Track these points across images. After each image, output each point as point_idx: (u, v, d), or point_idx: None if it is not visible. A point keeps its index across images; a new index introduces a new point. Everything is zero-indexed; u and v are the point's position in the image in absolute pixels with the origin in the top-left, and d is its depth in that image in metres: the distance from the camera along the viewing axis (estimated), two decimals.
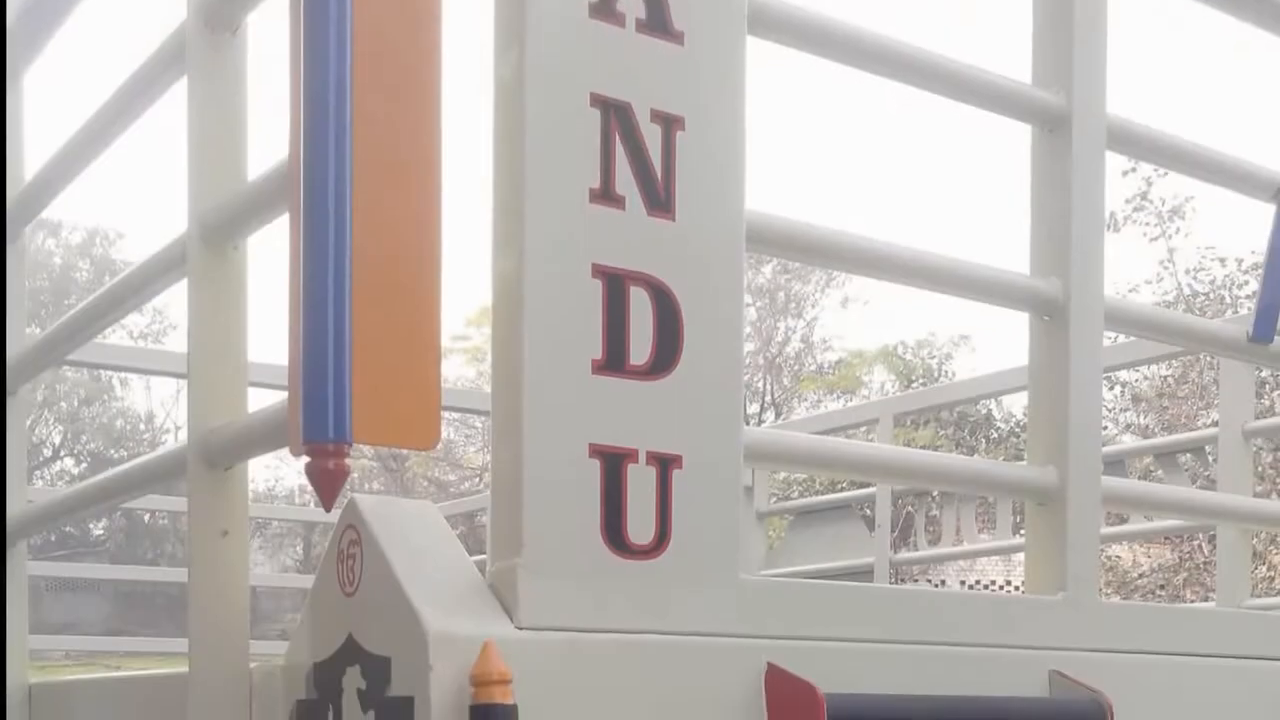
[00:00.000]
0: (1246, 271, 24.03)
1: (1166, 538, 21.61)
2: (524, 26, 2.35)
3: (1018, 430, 31.52)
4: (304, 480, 2.35)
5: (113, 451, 46.67)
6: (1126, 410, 26.98)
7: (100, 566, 28.74)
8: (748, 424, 2.83)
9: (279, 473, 46.13)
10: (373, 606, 2.39)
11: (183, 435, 2.93)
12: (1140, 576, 24.98)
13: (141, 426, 51.00)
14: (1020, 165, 3.16)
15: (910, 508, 9.51)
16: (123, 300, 3.34)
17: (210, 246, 2.82)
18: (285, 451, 2.43)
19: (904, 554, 8.64)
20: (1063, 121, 3.09)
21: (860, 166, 60.38)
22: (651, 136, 2.46)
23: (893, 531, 7.99)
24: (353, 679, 2.42)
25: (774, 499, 9.13)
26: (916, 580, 19.54)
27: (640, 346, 2.45)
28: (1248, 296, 23.14)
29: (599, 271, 2.42)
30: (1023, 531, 3.40)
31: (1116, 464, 6.68)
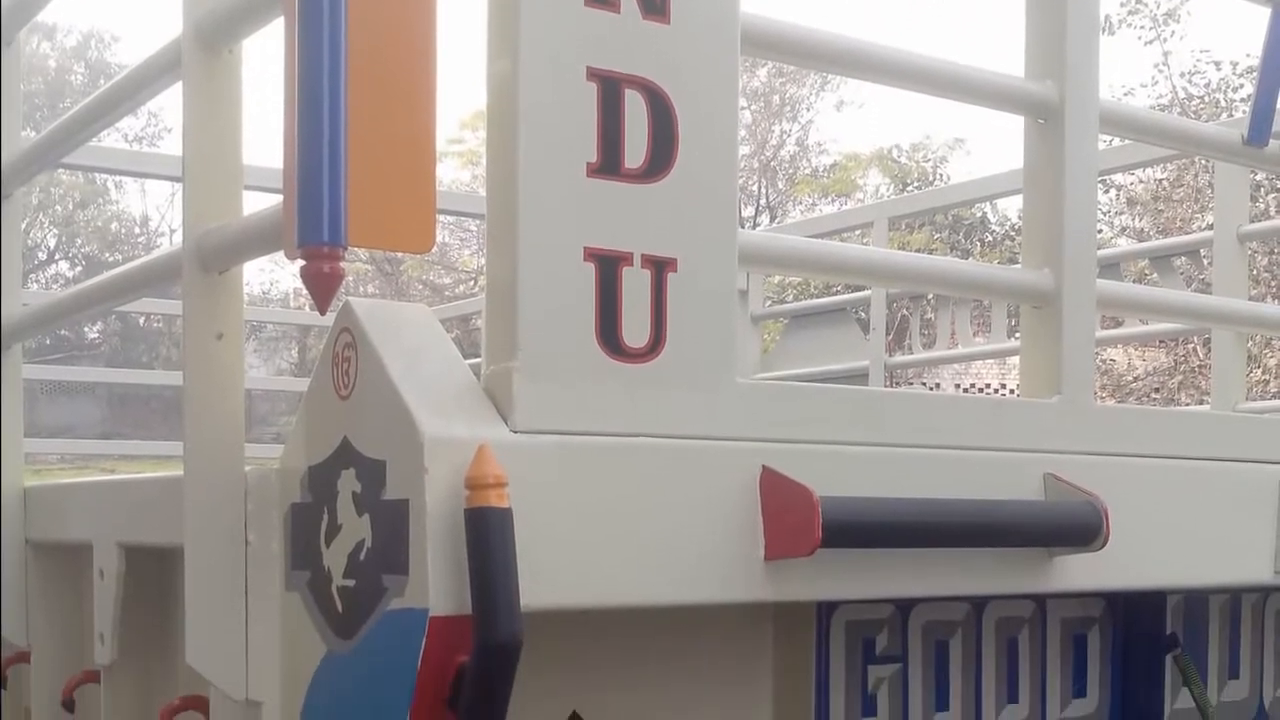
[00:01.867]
0: (1241, 75, 23.91)
1: (1161, 341, 21.69)
2: None
3: (1013, 234, 31.53)
4: (299, 284, 2.33)
5: (108, 255, 46.63)
6: (1122, 213, 26.99)
7: (95, 370, 28.81)
8: (742, 227, 2.81)
9: (274, 276, 46.27)
10: (368, 410, 2.39)
11: (178, 239, 2.92)
12: (1135, 380, 25.12)
13: (137, 230, 50.95)
14: None
15: (905, 311, 9.51)
16: (118, 103, 3.31)
17: (206, 49, 2.78)
18: (280, 255, 2.42)
19: (899, 357, 8.64)
20: None
21: None
22: None
23: (888, 335, 8.00)
24: (348, 482, 2.43)
25: (769, 303, 9.14)
26: (911, 384, 19.64)
27: (635, 150, 2.44)
28: (1243, 100, 23.06)
29: (594, 75, 2.40)
30: (1018, 335, 3.40)
31: (1112, 267, 6.68)
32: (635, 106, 2.44)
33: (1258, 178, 17.26)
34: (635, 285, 2.44)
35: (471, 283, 37.98)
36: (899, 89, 3.07)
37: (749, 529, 2.47)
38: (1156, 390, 24.75)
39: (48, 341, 36.38)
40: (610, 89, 2.41)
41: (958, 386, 28.17)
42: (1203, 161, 17.93)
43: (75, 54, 49.53)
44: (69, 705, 3.81)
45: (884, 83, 3.03)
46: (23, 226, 4.21)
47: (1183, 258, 7.03)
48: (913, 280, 3.50)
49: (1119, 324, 8.17)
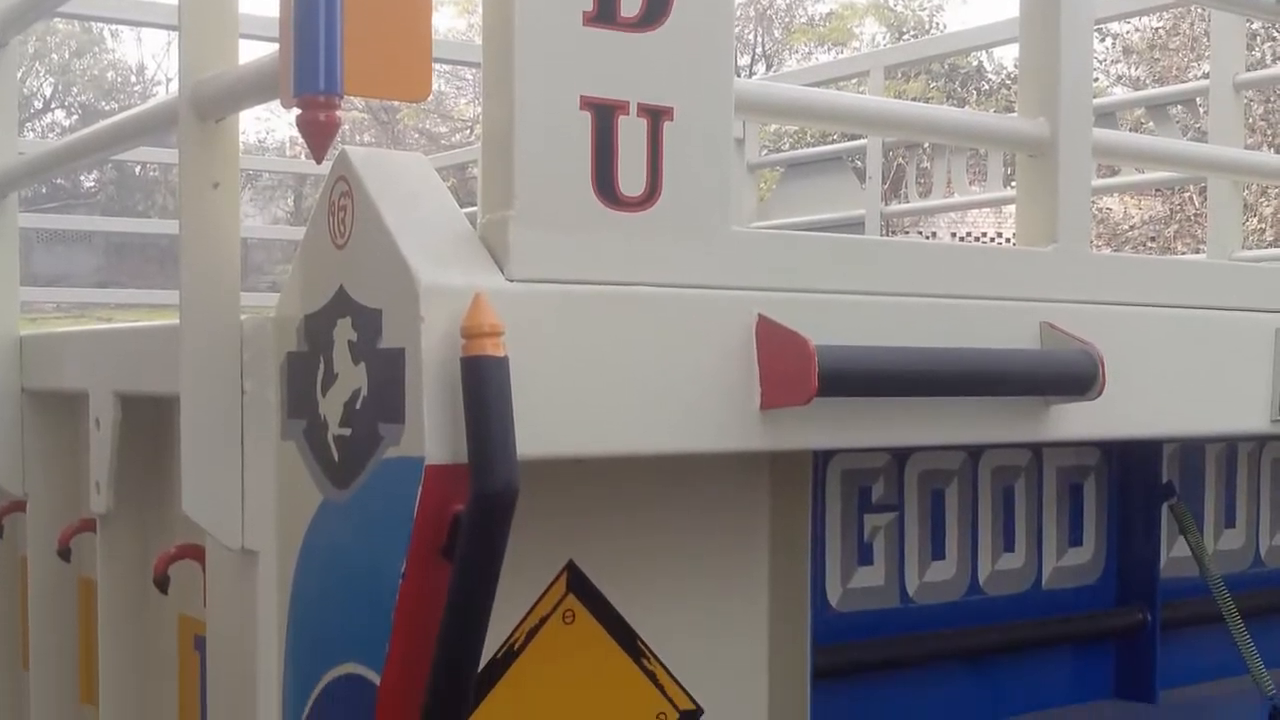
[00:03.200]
0: None
1: (1157, 190, 21.66)
2: None
3: (1009, 82, 31.32)
4: (295, 133, 2.32)
5: (104, 104, 46.35)
6: (1118, 62, 26.83)
7: (91, 219, 28.81)
8: (738, 76, 2.79)
9: (270, 125, 46.04)
10: (364, 258, 2.38)
11: (174, 88, 2.90)
12: (1131, 228, 25.10)
13: (133, 79, 50.62)
14: None
15: (901, 160, 9.46)
16: None
17: None
18: (276, 103, 2.40)
19: (895, 206, 8.61)
20: None
21: None
22: None
23: (884, 184, 7.97)
24: (344, 331, 2.43)
25: (765, 151, 9.08)
26: (908, 232, 19.60)
27: None
28: None
29: None
30: (1014, 184, 3.39)
31: (1108, 116, 6.64)
32: None
33: (1254, 26, 17.14)
34: (631, 134, 2.42)
35: (468, 131, 37.83)
36: None
37: (745, 378, 2.47)
38: (1152, 239, 24.73)
39: (43, 190, 36.27)
40: None
41: (954, 235, 28.14)
42: (1199, 10, 17.79)
43: None
44: (65, 554, 3.83)
45: None
46: (18, 75, 4.19)
47: (1179, 106, 6.99)
48: (909, 129, 3.48)
49: (1115, 173, 8.13)
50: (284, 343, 2.66)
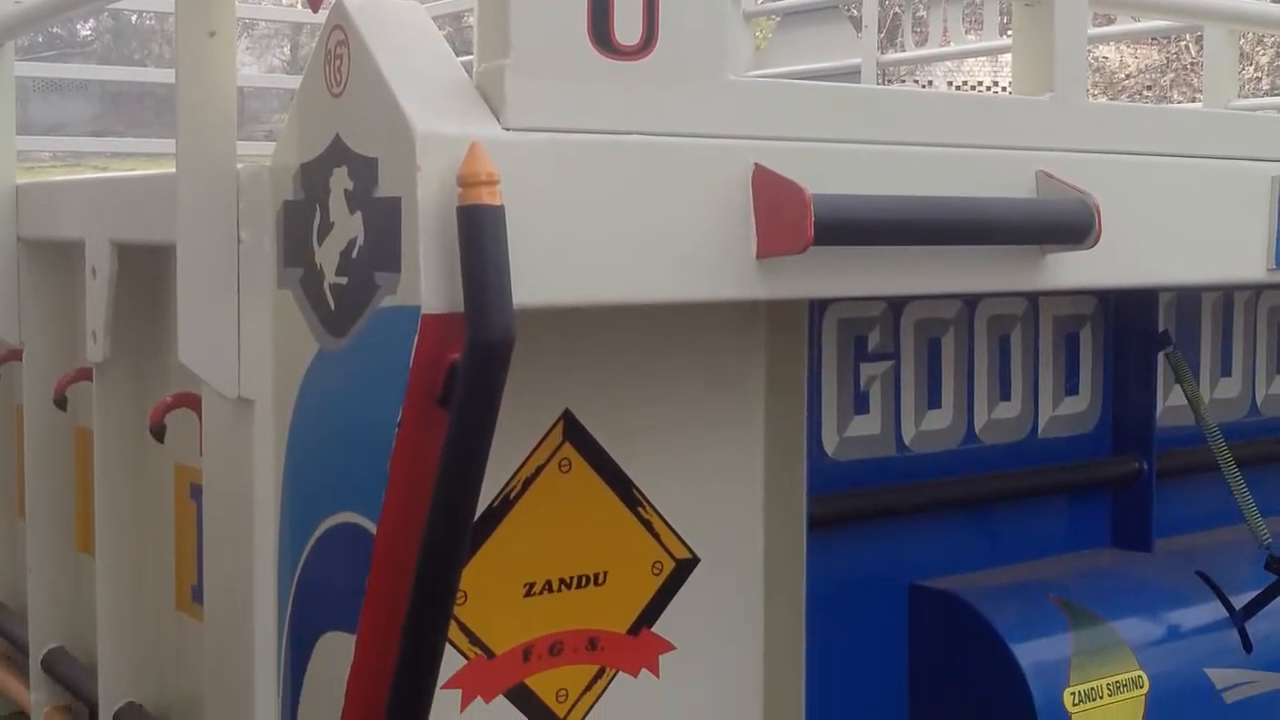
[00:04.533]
0: None
1: (1154, 39, 21.49)
2: None
3: None
4: None
5: None
6: None
7: (87, 67, 28.54)
8: None
9: None
10: (360, 107, 2.37)
11: None
12: (1128, 77, 24.97)
13: None
14: None
15: (898, 8, 9.42)
16: None
17: None
18: None
19: (891, 55, 8.56)
20: None
21: None
22: None
23: (880, 33, 7.92)
24: (340, 180, 2.42)
25: (760, 0, 9.01)
26: (904, 82, 19.50)
27: None
28: None
29: None
30: (1010, 33, 3.36)
31: None
32: None
33: None
34: None
35: None
36: None
37: (741, 226, 2.46)
38: (1149, 88, 24.61)
39: (40, 39, 36.00)
40: None
41: (950, 84, 27.97)
42: None
43: None
44: (61, 403, 3.84)
45: None
46: None
47: None
48: None
49: (1111, 21, 8.08)
50: (280, 191, 2.65)
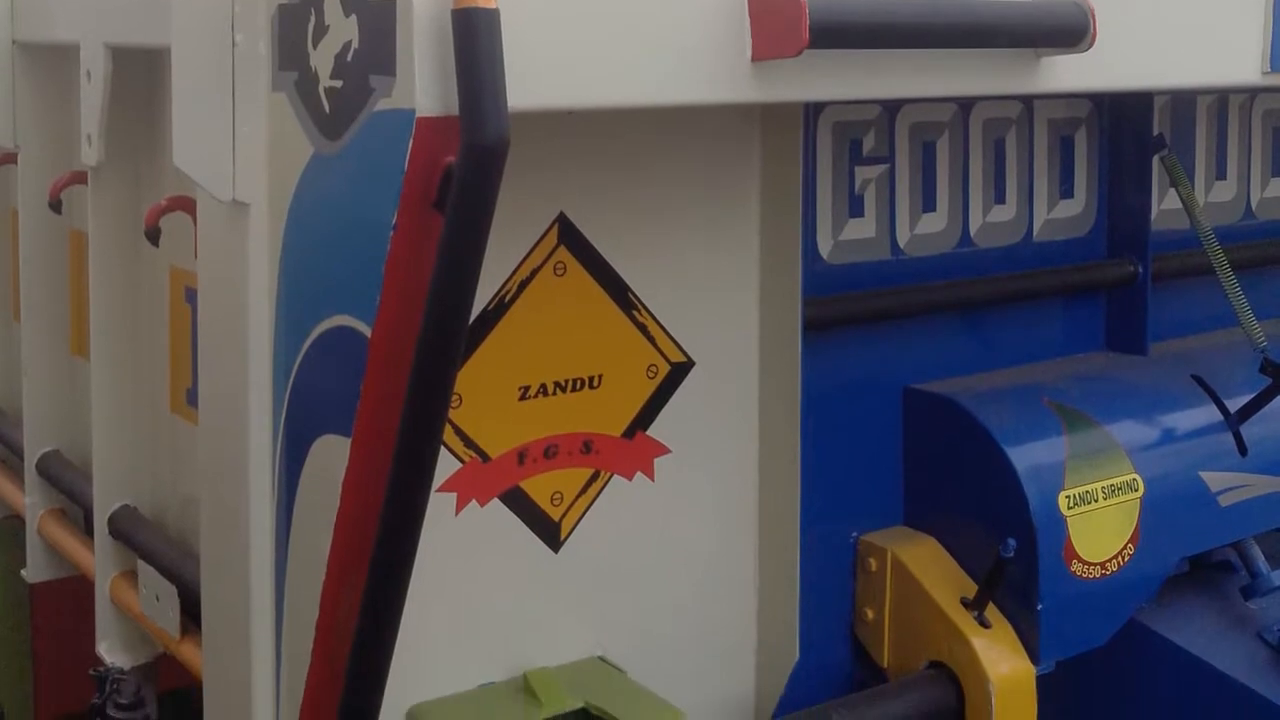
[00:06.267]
0: None
1: None
2: None
3: None
4: None
5: None
6: None
7: None
8: None
9: None
10: None
11: None
12: None
13: None
14: None
15: None
16: None
17: None
18: None
19: None
20: None
21: None
22: None
23: None
24: None
25: None
26: None
27: None
28: None
29: None
30: None
31: None
32: None
33: None
34: None
35: None
36: None
37: (736, 29, 2.44)
38: None
39: None
40: None
41: None
42: None
43: None
44: (56, 206, 3.84)
45: None
46: None
47: None
48: None
49: None
50: None
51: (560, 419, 2.84)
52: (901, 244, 3.41)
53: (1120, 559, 3.33)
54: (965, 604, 3.21)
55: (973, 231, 3.54)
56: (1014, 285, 3.60)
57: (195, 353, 3.04)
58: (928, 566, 3.30)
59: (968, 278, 3.51)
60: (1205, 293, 3.77)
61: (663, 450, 2.97)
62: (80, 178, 3.68)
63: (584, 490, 2.90)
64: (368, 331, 2.33)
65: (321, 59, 2.46)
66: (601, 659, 2.93)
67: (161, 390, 3.60)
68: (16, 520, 4.47)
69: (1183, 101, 3.88)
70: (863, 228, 3.34)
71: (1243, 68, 3.19)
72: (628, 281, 2.87)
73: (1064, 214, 3.71)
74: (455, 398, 2.61)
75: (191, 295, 3.20)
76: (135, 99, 3.45)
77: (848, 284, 3.31)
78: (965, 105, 3.46)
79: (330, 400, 2.49)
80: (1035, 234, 3.65)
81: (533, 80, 2.23)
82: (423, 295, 2.18)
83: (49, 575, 4.29)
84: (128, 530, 3.62)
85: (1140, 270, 3.72)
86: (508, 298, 2.72)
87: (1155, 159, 3.70)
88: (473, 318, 2.31)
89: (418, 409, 2.22)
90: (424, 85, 2.18)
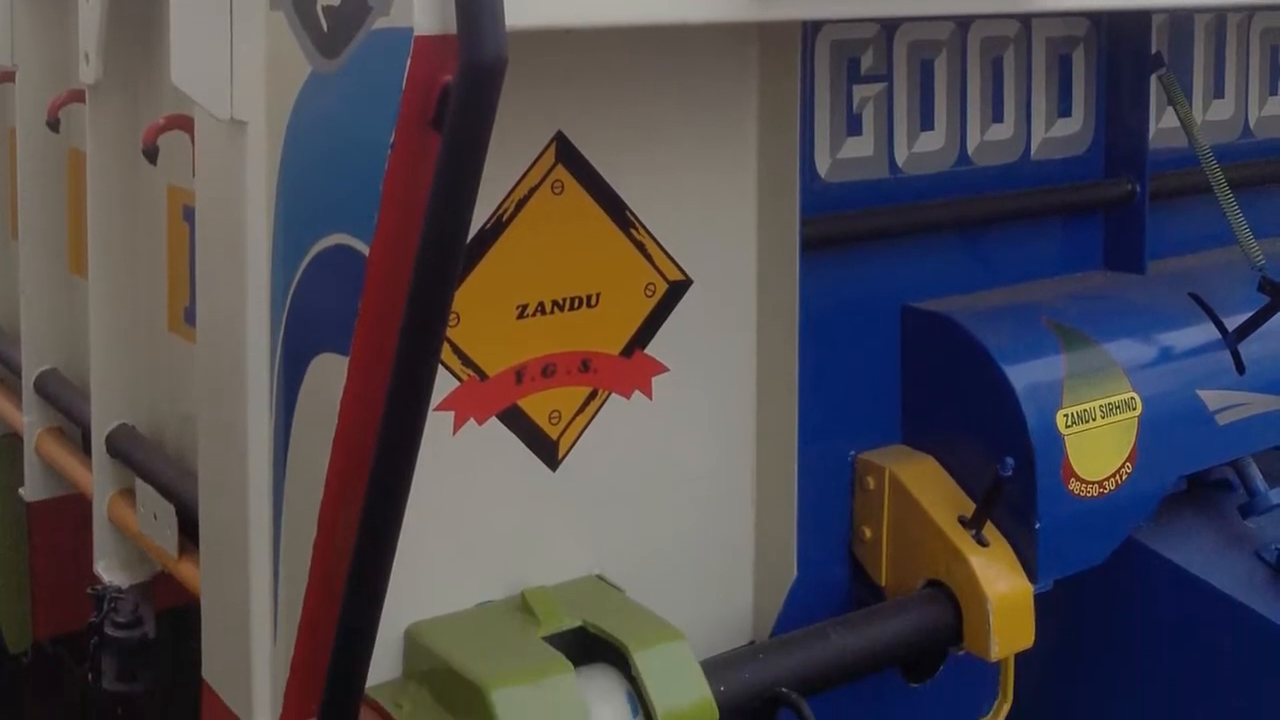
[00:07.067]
0: None
1: None
2: None
3: None
4: None
5: None
6: None
7: None
8: None
9: None
10: None
11: None
12: None
13: None
14: None
15: None
16: None
17: None
18: None
19: None
20: None
21: None
22: None
23: None
24: None
25: None
26: None
27: None
28: None
29: None
30: None
31: None
32: None
33: None
34: None
35: None
36: None
37: None
38: None
39: None
40: None
41: None
42: None
43: None
44: (54, 125, 3.83)
45: None
46: None
47: None
48: None
49: None
50: None
51: (558, 337, 2.84)
52: (899, 163, 3.41)
53: (1118, 477, 3.33)
54: (963, 522, 3.21)
55: (971, 150, 3.53)
56: (1012, 204, 3.59)
57: (193, 271, 3.05)
58: (926, 485, 3.31)
59: (966, 196, 3.50)
60: (1203, 211, 3.77)
61: (661, 369, 2.97)
62: (78, 96, 3.67)
63: (582, 409, 2.90)
64: (366, 250, 2.33)
65: None
66: (599, 578, 2.94)
67: (160, 309, 3.60)
68: (15, 439, 4.48)
69: (1181, 20, 3.87)
70: (861, 146, 3.34)
71: None
72: (625, 200, 2.87)
73: (1062, 133, 3.70)
74: (453, 316, 2.61)
75: (190, 214, 3.20)
76: (133, 17, 3.44)
77: (846, 202, 3.31)
78: (963, 24, 3.45)
79: (328, 318, 2.50)
80: (1033, 153, 3.65)
81: None
82: (420, 214, 2.18)
83: (47, 494, 4.30)
84: (126, 449, 3.64)
85: (1138, 189, 3.72)
86: (505, 216, 2.72)
87: (1153, 77, 3.69)
88: (470, 236, 2.31)
89: (415, 327, 2.22)
90: (422, 4, 2.18)
